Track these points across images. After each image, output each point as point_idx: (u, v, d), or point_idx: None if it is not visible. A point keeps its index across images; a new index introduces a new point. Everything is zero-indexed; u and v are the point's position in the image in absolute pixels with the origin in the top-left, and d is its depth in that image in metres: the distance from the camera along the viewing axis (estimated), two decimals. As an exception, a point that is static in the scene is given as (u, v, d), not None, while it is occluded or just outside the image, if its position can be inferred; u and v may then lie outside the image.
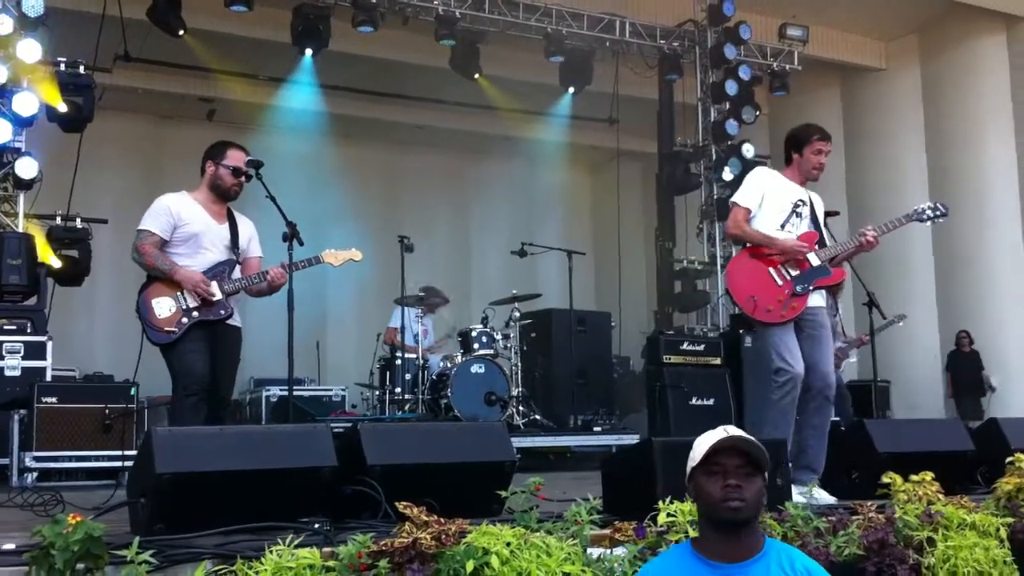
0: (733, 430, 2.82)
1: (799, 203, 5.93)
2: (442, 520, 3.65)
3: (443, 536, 3.54)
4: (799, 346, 5.66)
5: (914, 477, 4.70)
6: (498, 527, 3.69)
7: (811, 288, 5.81)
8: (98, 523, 3.17)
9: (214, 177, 5.72)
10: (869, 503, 4.53)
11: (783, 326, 5.70)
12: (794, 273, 5.81)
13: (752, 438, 2.81)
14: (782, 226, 5.87)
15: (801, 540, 4.15)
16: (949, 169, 13.30)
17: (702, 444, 2.82)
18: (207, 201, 5.73)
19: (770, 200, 5.90)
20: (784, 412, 5.58)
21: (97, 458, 7.14)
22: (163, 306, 5.50)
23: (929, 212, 6.27)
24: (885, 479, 4.75)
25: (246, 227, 5.88)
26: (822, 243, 5.94)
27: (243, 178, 5.72)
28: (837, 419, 7.07)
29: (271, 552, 3.27)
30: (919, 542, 4.25)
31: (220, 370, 5.60)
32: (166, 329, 5.46)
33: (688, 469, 2.88)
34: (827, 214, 6.73)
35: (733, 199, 6.06)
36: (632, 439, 9.28)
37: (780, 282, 5.79)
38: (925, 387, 12.88)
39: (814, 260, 5.82)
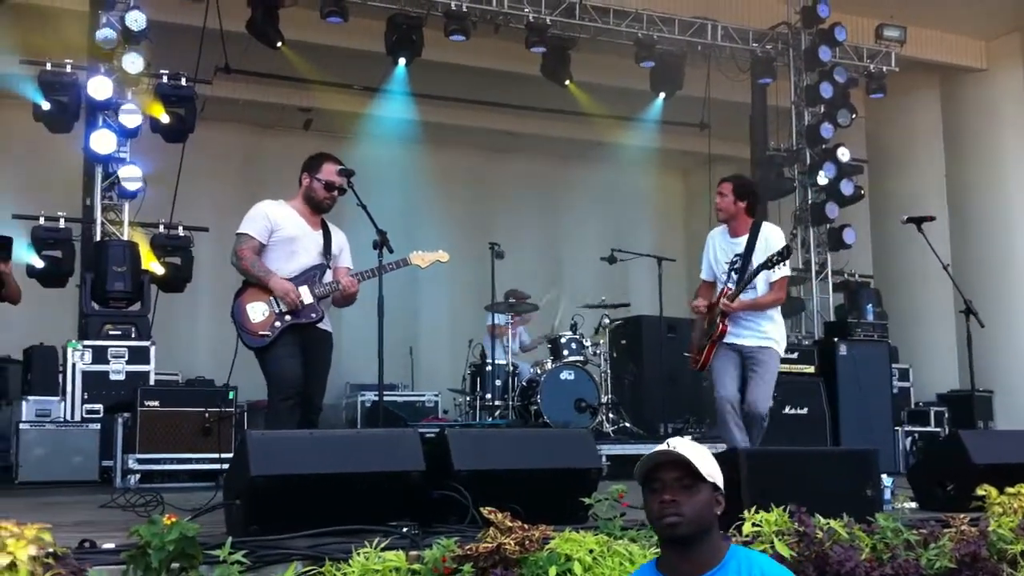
0: (677, 443, 2.71)
1: (735, 258, 6.27)
2: (526, 526, 3.69)
3: (527, 542, 3.58)
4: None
5: (1010, 489, 4.60)
6: (581, 534, 3.72)
7: None
8: (193, 524, 3.28)
9: (308, 189, 5.87)
10: (962, 516, 4.44)
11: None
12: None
13: (695, 449, 2.68)
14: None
15: (891, 552, 4.09)
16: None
17: (641, 462, 2.73)
18: (303, 210, 5.89)
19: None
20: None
21: (197, 460, 7.36)
22: (257, 311, 5.65)
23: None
24: (980, 491, 4.65)
25: (339, 237, 6.02)
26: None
27: (336, 192, 5.86)
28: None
29: (358, 554, 3.35)
30: (1013, 556, 4.16)
31: (312, 375, 5.72)
32: (260, 333, 5.60)
33: None
34: (922, 219, 6.76)
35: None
36: (722, 447, 9.18)
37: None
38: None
39: None
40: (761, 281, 6.22)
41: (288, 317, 5.65)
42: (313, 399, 5.80)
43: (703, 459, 2.68)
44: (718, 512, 2.71)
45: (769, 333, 6.35)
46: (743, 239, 6.26)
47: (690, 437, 9.50)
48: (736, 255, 6.25)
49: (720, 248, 6.43)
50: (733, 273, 6.25)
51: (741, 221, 6.30)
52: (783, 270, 6.22)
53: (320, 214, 5.95)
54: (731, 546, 2.75)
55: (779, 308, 6.57)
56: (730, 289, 6.22)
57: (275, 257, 5.77)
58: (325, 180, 5.84)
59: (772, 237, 6.23)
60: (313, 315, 5.75)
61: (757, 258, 6.14)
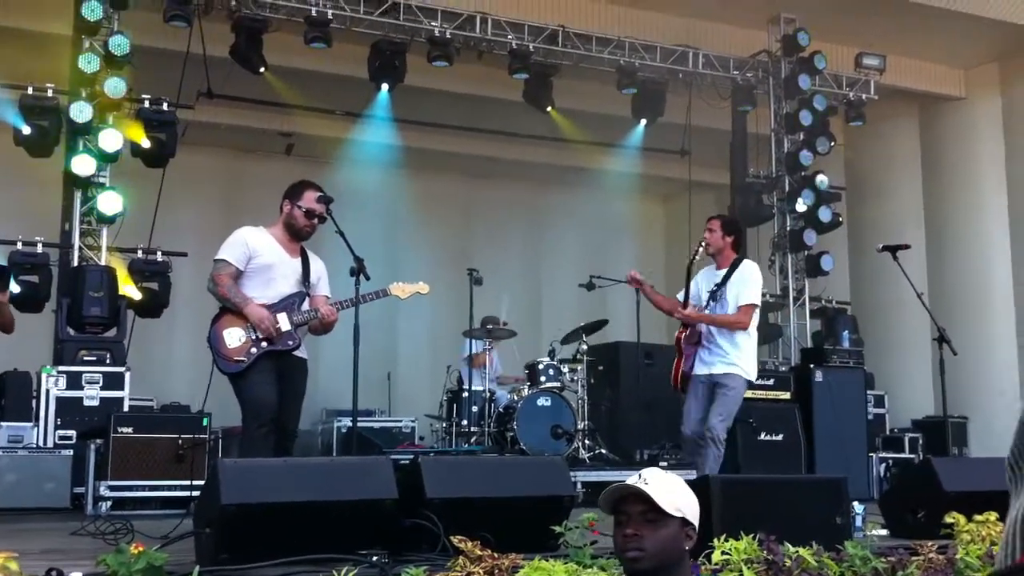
0: (649, 473, 2.64)
1: (715, 288, 6.91)
2: (496, 555, 3.70)
3: (496, 571, 3.60)
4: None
5: (978, 517, 4.63)
6: (551, 562, 3.73)
7: None
8: (161, 553, 3.28)
9: (288, 216, 5.92)
10: (931, 543, 4.47)
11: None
12: None
13: (665, 481, 2.62)
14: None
15: (859, 581, 4.11)
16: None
17: (604, 494, 2.67)
18: (282, 237, 5.93)
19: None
20: None
21: (170, 487, 7.32)
22: (233, 336, 5.66)
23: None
24: (948, 519, 4.68)
25: (318, 265, 6.06)
26: None
27: (315, 220, 5.90)
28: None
29: (325, 584, 3.35)
30: (978, 585, 4.18)
31: (287, 402, 5.73)
32: (235, 359, 5.61)
33: None
34: (897, 247, 7.06)
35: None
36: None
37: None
38: (1005, 424, 12.55)
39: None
40: (732, 307, 6.80)
41: (264, 344, 5.66)
42: (288, 426, 5.81)
43: (671, 492, 2.61)
44: (687, 547, 2.65)
45: (735, 360, 6.81)
46: (722, 273, 6.92)
47: (665, 464, 9.59)
48: (716, 284, 6.89)
49: (704, 279, 7.10)
50: (711, 301, 6.89)
51: (726, 255, 6.98)
52: (751, 297, 6.76)
53: (300, 242, 5.98)
54: None
55: (751, 336, 6.96)
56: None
57: (253, 284, 5.79)
58: (305, 208, 5.88)
59: (747, 270, 6.89)
60: (290, 342, 5.76)
61: (730, 288, 6.80)
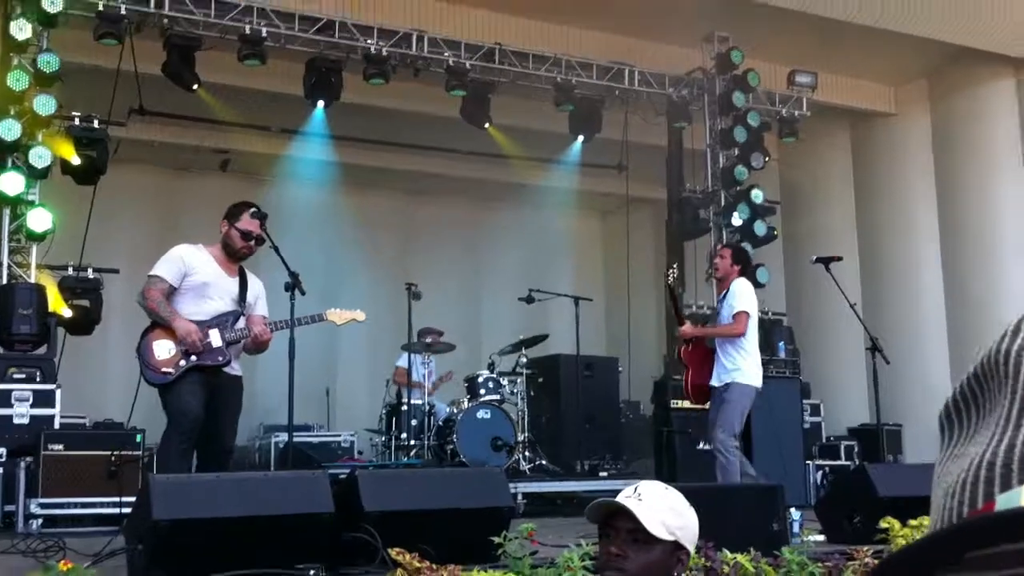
0: (646, 489, 2.42)
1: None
2: (434, 566, 3.69)
3: (433, 581, 3.57)
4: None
5: (912, 522, 4.70)
6: (491, 573, 3.72)
7: None
8: (91, 570, 3.22)
9: (226, 236, 5.93)
10: (866, 548, 4.53)
11: None
12: None
13: (660, 499, 2.38)
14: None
15: (796, 585, 4.15)
16: (960, 213, 13.30)
17: (592, 506, 2.45)
18: (220, 257, 5.93)
19: None
20: None
21: (102, 504, 7.18)
22: (163, 348, 5.63)
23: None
24: (883, 524, 4.75)
25: (256, 285, 6.04)
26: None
27: (252, 242, 5.89)
28: None
29: (260, 598, 3.30)
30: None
31: (222, 419, 5.69)
32: (163, 370, 5.57)
33: None
34: (830, 259, 7.34)
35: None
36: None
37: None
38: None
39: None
40: (726, 320, 7.29)
41: (194, 357, 5.61)
42: (225, 443, 5.76)
43: (666, 512, 2.37)
44: (677, 572, 2.40)
45: (734, 368, 7.18)
46: (724, 292, 7.50)
47: (605, 474, 9.60)
48: (718, 304, 7.59)
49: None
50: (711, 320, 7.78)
51: (729, 281, 7.43)
52: (742, 304, 7.18)
53: (238, 262, 5.96)
54: None
55: (752, 343, 7.33)
56: None
57: (186, 301, 5.76)
58: (243, 230, 5.86)
59: (737, 286, 7.36)
60: (220, 358, 5.71)
61: (725, 305, 7.35)
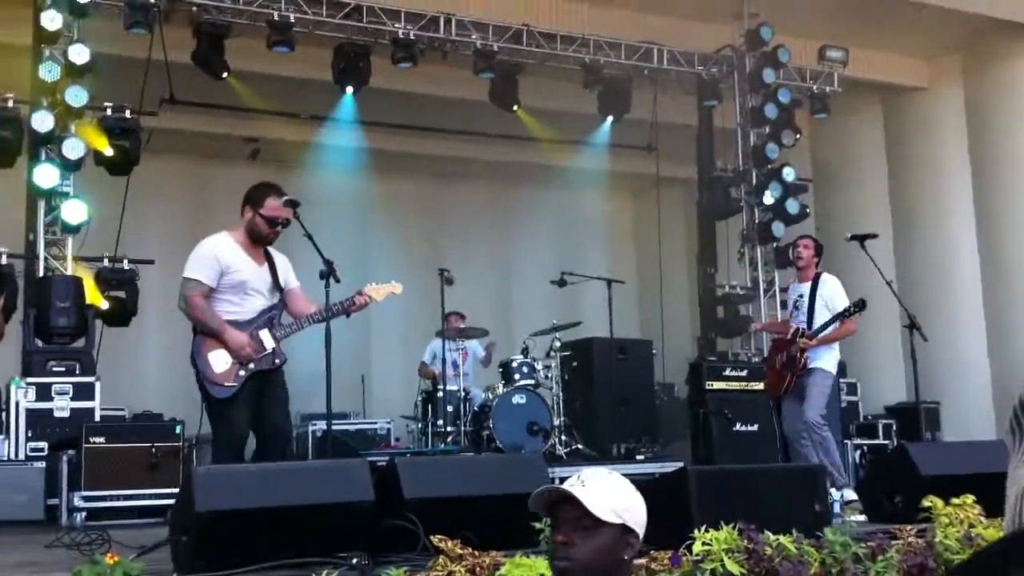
0: (588, 475, 2.37)
1: (798, 298, 7.94)
2: (476, 553, 3.69)
3: (477, 569, 3.58)
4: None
5: (955, 500, 4.66)
6: (532, 558, 3.72)
7: None
8: (137, 562, 3.24)
9: (251, 223, 5.74)
10: (909, 527, 4.49)
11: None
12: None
13: (605, 483, 2.35)
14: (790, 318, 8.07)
15: (840, 566, 4.13)
16: (994, 187, 13.13)
17: (533, 497, 2.40)
18: (246, 243, 5.75)
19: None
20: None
21: (145, 496, 7.24)
22: (220, 360, 5.51)
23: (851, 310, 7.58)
24: (926, 503, 4.71)
25: (282, 262, 5.92)
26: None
27: (279, 227, 5.77)
28: None
29: (305, 587, 3.31)
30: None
31: (274, 408, 5.65)
32: (226, 384, 5.47)
33: None
34: (865, 236, 7.34)
35: None
36: (676, 466, 9.23)
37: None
38: (976, 409, 12.66)
39: None
40: (820, 315, 7.69)
41: (252, 365, 5.54)
42: (283, 429, 5.75)
43: (611, 496, 2.32)
44: (627, 556, 2.36)
45: (818, 357, 7.64)
46: (805, 285, 7.90)
47: (642, 457, 9.60)
48: (799, 295, 7.91)
49: (790, 291, 8.36)
50: (794, 309, 7.94)
51: (810, 271, 7.93)
52: (844, 302, 7.64)
53: (263, 246, 5.86)
54: None
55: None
56: (799, 324, 7.77)
57: (226, 300, 5.63)
58: (268, 216, 5.70)
59: (829, 283, 7.82)
60: (277, 361, 5.65)
61: (818, 299, 7.74)
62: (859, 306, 7.49)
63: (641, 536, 2.39)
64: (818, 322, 7.65)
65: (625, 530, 2.33)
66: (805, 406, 7.51)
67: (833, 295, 7.71)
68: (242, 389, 5.51)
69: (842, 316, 7.48)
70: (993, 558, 0.64)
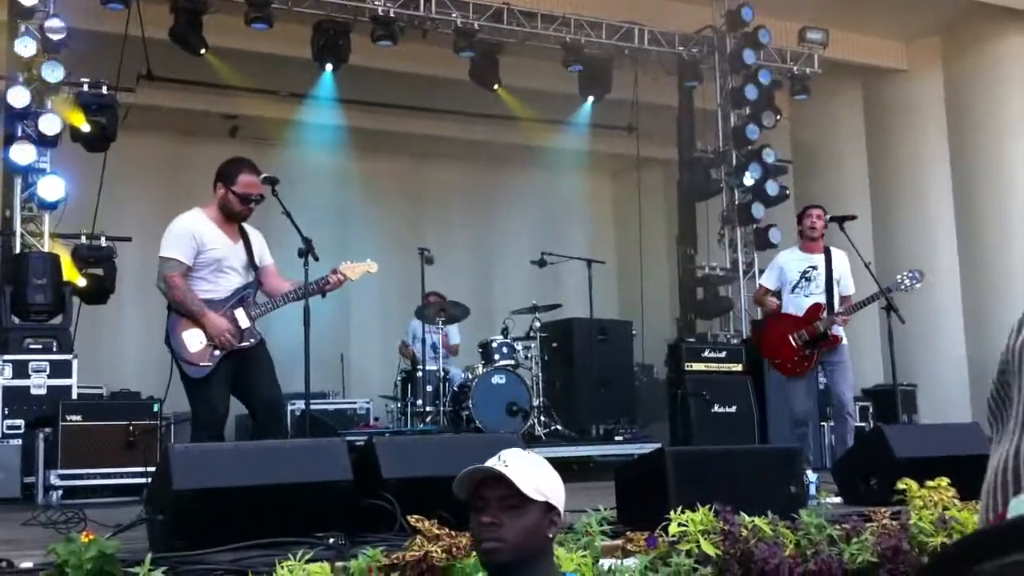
0: (510, 455, 2.40)
1: (809, 269, 7.95)
2: (453, 533, 3.68)
3: (454, 549, 3.58)
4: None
5: (929, 483, 4.69)
6: (510, 539, 3.71)
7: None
8: (112, 541, 3.23)
9: (224, 200, 5.73)
10: (884, 510, 4.52)
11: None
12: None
13: (526, 463, 2.38)
14: (793, 291, 8.01)
15: (815, 548, 4.15)
16: (973, 171, 13.19)
17: (459, 478, 2.43)
18: (220, 220, 5.74)
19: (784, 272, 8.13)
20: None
21: (122, 475, 7.20)
22: (194, 339, 5.52)
23: (907, 281, 7.76)
24: (900, 485, 4.74)
25: (256, 239, 5.90)
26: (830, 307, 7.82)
27: (252, 204, 5.74)
28: None
29: (281, 567, 3.31)
30: (933, 548, 4.23)
31: (263, 379, 5.65)
32: (201, 364, 5.48)
33: None
34: (844, 218, 7.39)
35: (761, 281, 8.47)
36: (654, 447, 9.25)
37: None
38: (953, 392, 12.76)
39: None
40: (834, 286, 7.86)
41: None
42: (273, 400, 5.74)
43: (533, 476, 2.37)
44: (551, 535, 2.42)
45: (840, 332, 7.89)
46: (816, 256, 7.96)
47: (621, 438, 9.64)
48: (810, 266, 7.95)
49: (790, 261, 8.17)
50: (804, 280, 7.95)
51: (820, 242, 8.03)
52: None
53: (237, 223, 5.83)
54: (565, 573, 2.55)
55: None
56: (815, 297, 7.88)
57: (201, 278, 5.63)
58: (241, 194, 5.68)
59: (843, 259, 8.01)
60: (252, 340, 5.65)
61: (836, 271, 7.88)
62: (916, 277, 7.76)
63: (562, 514, 2.45)
64: (836, 293, 7.85)
65: (549, 508, 2.38)
66: (844, 387, 7.77)
67: (845, 273, 7.94)
68: (217, 368, 5.50)
69: (884, 294, 7.54)
70: (963, 551, 0.64)
